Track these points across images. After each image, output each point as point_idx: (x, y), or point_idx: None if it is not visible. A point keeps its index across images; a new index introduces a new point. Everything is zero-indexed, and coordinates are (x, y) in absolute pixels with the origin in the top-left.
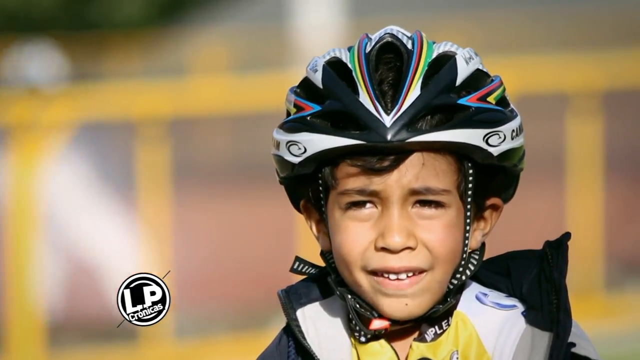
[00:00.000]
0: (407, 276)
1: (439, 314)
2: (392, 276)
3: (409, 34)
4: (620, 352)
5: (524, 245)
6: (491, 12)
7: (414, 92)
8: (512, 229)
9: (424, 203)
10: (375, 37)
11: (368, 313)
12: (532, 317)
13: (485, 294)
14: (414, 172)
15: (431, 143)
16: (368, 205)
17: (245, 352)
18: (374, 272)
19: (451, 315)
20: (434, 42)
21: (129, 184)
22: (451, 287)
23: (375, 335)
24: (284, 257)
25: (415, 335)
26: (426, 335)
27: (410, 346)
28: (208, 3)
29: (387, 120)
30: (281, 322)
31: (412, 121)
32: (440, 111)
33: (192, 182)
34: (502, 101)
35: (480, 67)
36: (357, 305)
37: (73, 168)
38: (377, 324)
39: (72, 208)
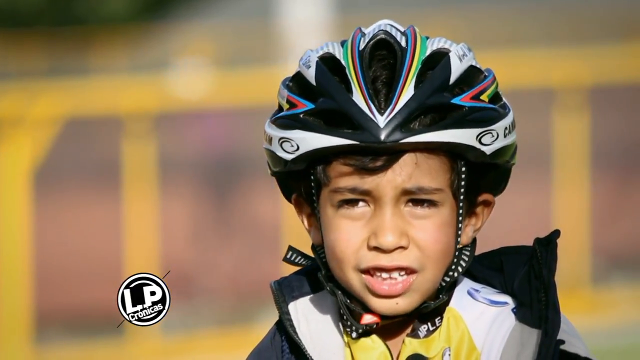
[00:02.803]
0: (400, 275)
1: (429, 310)
2: (385, 274)
3: (402, 29)
4: (606, 346)
5: (510, 241)
6: (478, 7)
7: (407, 92)
8: (499, 224)
9: (417, 202)
10: (368, 32)
11: (358, 308)
12: (522, 314)
13: (477, 290)
14: (407, 172)
15: (425, 144)
16: (360, 203)
17: (232, 347)
18: (365, 271)
19: (444, 312)
20: (427, 38)
21: (115, 179)
22: (443, 284)
23: (367, 331)
24: (270, 251)
25: (408, 331)
26: (419, 332)
27: (403, 342)
28: None
29: (381, 120)
30: (267, 317)
31: (406, 121)
32: (433, 110)
33: (177, 176)
34: (495, 98)
35: (474, 64)
36: (347, 301)
37: (60, 162)
38: (367, 318)
39: (59, 202)
